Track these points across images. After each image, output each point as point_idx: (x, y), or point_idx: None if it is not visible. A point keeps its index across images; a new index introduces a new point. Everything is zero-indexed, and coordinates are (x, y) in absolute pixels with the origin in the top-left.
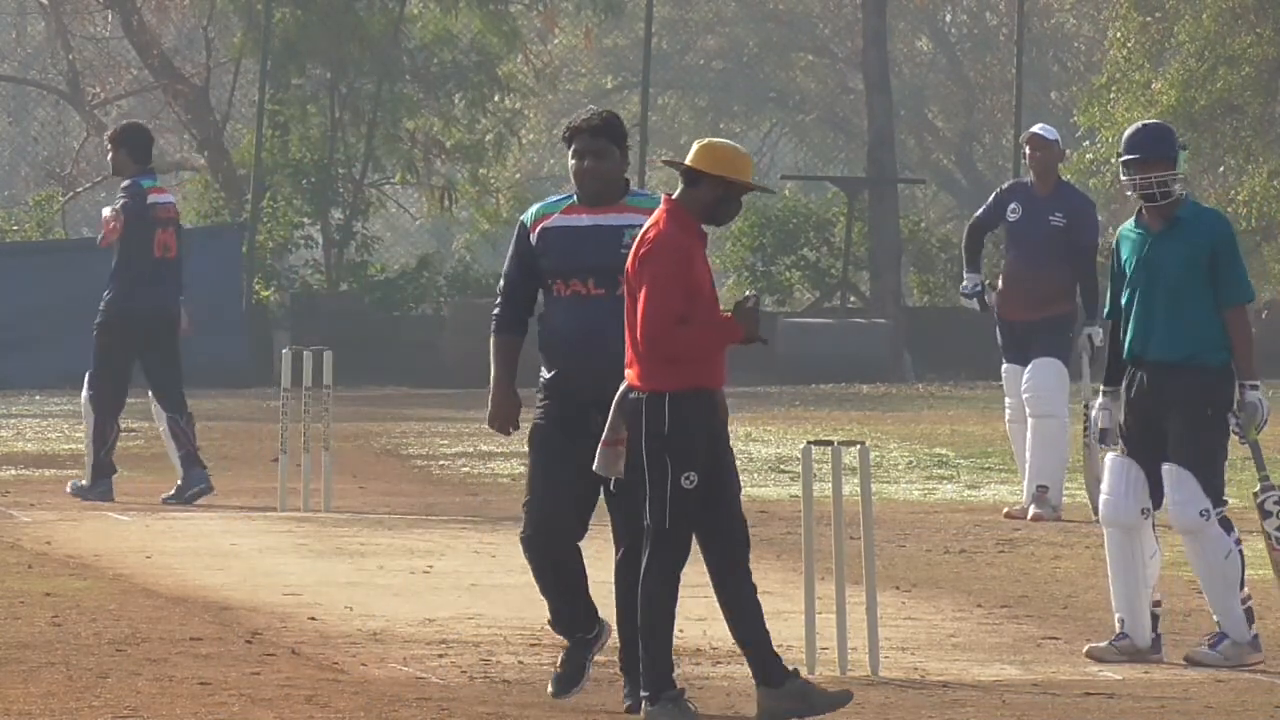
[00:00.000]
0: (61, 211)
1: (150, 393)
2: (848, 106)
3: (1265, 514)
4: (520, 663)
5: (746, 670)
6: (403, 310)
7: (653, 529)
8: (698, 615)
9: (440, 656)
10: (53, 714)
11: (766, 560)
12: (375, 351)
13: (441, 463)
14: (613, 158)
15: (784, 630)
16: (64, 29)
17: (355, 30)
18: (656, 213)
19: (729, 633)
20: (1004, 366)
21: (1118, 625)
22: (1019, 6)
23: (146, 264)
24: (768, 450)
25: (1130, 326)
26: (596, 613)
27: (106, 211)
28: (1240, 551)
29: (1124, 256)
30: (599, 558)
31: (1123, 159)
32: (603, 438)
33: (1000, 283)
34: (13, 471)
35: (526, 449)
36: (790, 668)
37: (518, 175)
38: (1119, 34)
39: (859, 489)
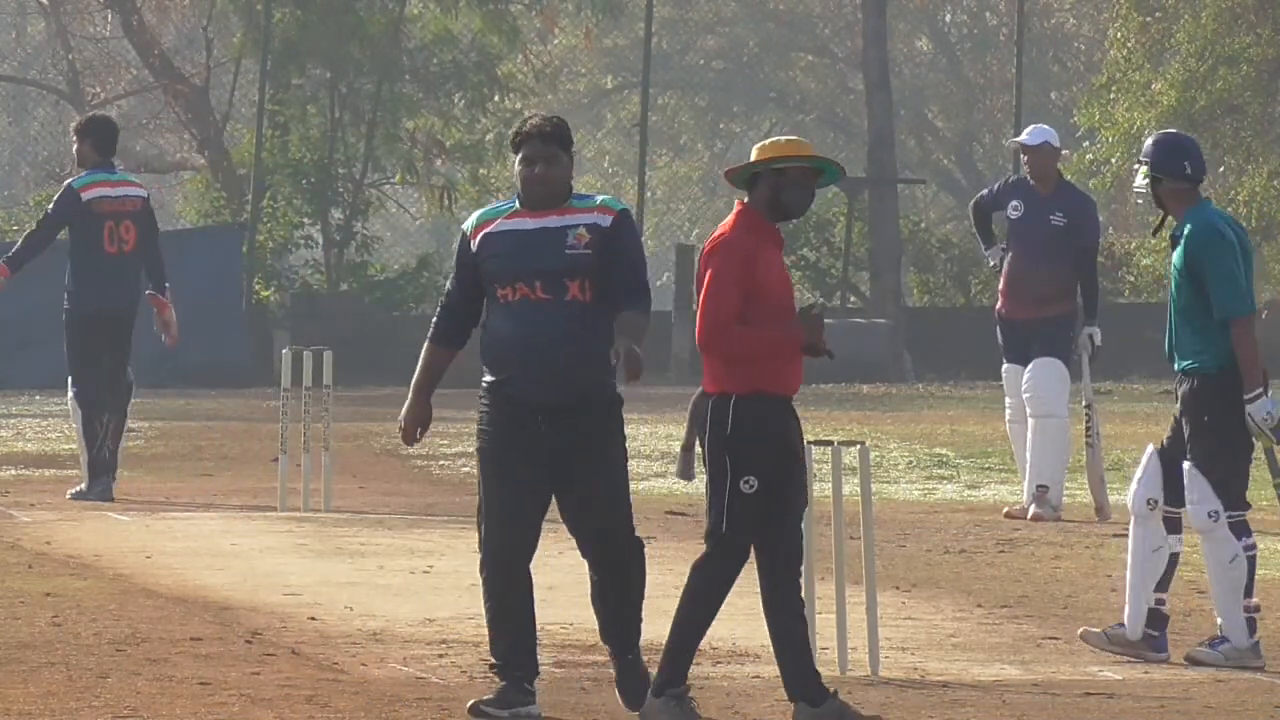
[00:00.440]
0: None
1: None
2: (848, 106)
3: None
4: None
5: (747, 670)
6: (403, 310)
7: (710, 531)
8: None
9: (440, 656)
10: (53, 714)
11: None
12: (375, 351)
13: (441, 463)
14: (562, 164)
15: None
16: (64, 29)
17: (355, 30)
18: (730, 216)
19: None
20: (1004, 366)
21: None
22: (1019, 6)
23: (97, 259)
24: None
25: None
26: (537, 662)
27: None
28: (1250, 558)
29: None
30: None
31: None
32: (682, 443)
33: (1001, 281)
34: (13, 471)
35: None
36: (831, 689)
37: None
38: (1119, 34)
39: (859, 489)
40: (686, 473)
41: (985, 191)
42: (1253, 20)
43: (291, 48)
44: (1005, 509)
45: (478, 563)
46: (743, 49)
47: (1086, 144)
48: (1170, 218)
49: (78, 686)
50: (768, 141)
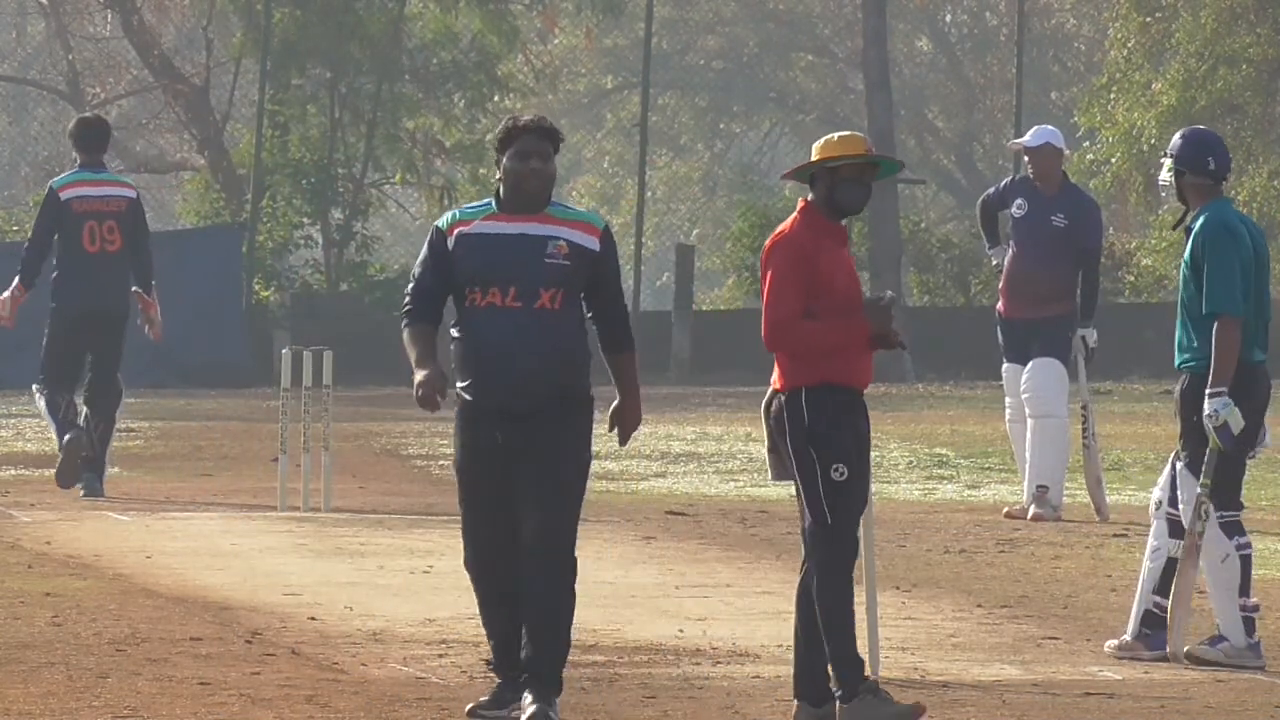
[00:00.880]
0: None
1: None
2: (848, 106)
3: (1197, 517)
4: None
5: (747, 670)
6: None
7: (815, 528)
8: (698, 615)
9: (440, 656)
10: (53, 714)
11: (767, 560)
12: (375, 351)
13: (441, 463)
14: (552, 163)
15: (784, 630)
16: (64, 29)
17: (355, 30)
18: (793, 213)
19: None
20: (1004, 366)
21: None
22: (1019, 6)
23: (77, 259)
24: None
25: None
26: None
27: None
28: (1243, 557)
29: None
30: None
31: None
32: (766, 446)
33: (1002, 281)
34: (13, 471)
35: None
36: (870, 678)
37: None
38: (1119, 34)
39: None
40: (781, 474)
41: (992, 190)
42: (1253, 20)
43: (291, 48)
44: (1005, 509)
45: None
46: (743, 49)
47: (1086, 144)
48: (1191, 213)
49: (78, 686)
50: (829, 136)
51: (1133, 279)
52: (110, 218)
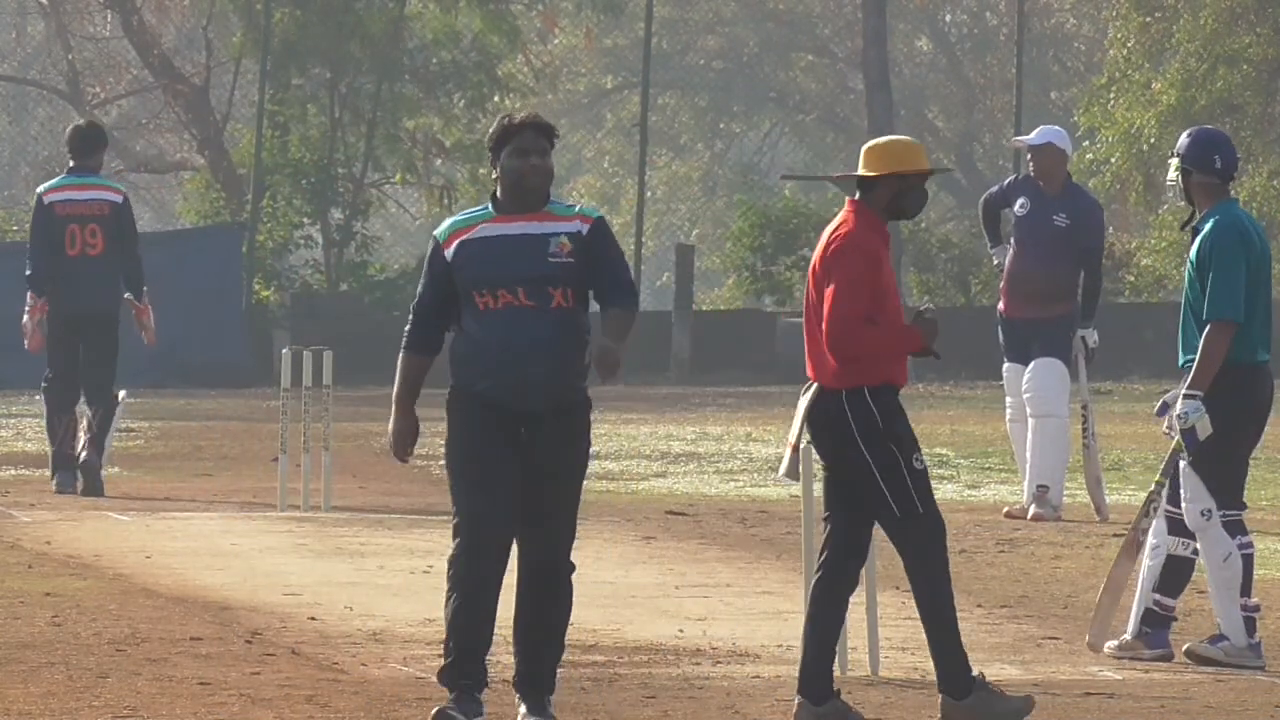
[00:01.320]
0: None
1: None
2: (848, 106)
3: (1144, 514)
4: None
5: (747, 670)
6: (403, 310)
7: (904, 520)
8: (698, 615)
9: (440, 656)
10: (53, 714)
11: (767, 560)
12: (375, 351)
13: (441, 463)
14: (550, 158)
15: (784, 630)
16: (64, 29)
17: (355, 30)
18: (843, 212)
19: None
20: (1005, 366)
21: None
22: (1019, 6)
23: (59, 262)
24: (768, 450)
25: None
26: (486, 672)
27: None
28: (1245, 556)
29: None
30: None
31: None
32: (790, 441)
33: (1003, 280)
34: (13, 471)
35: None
36: (837, 688)
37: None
38: (1119, 34)
39: None
40: (796, 471)
41: (995, 188)
42: (1253, 20)
43: (291, 48)
44: (1005, 509)
45: (446, 573)
46: (743, 49)
47: (1086, 144)
48: (1199, 213)
49: (78, 686)
50: (889, 142)
51: (1133, 279)
52: (93, 221)
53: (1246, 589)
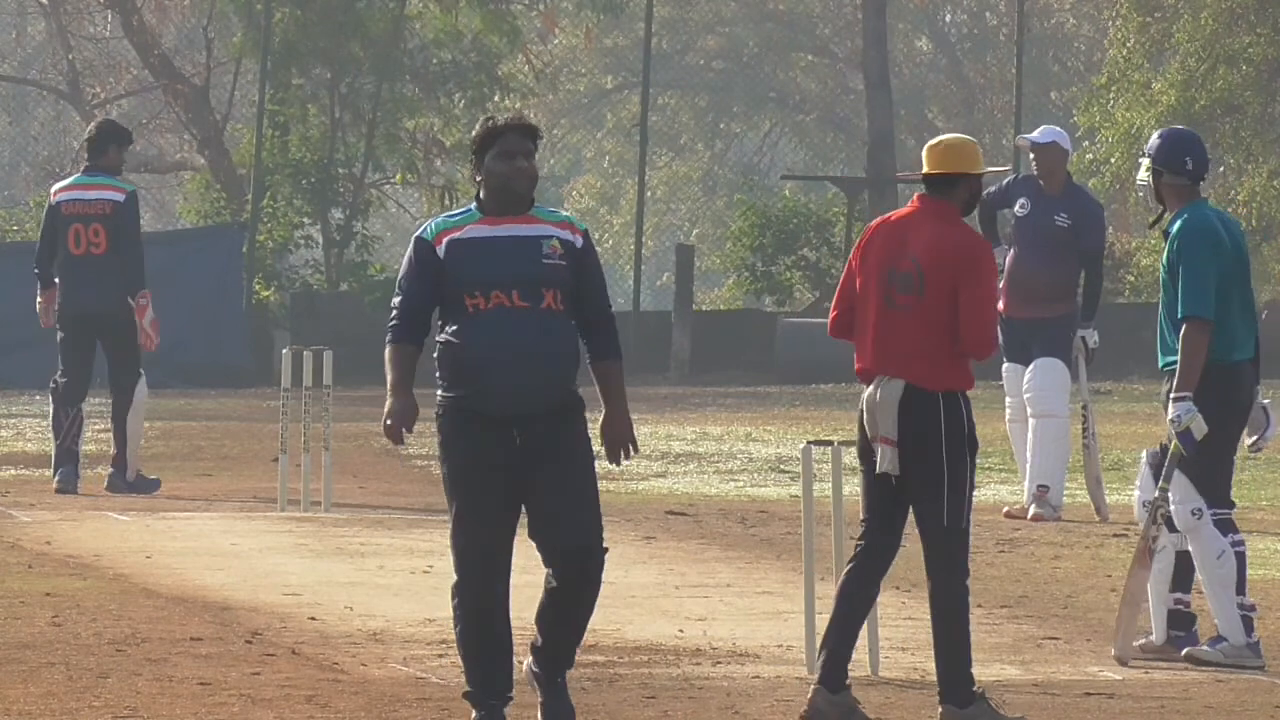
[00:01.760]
0: None
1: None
2: (848, 106)
3: (1151, 520)
4: (519, 663)
5: (747, 670)
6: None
7: (949, 530)
8: (698, 615)
9: (440, 656)
10: (53, 714)
11: (767, 560)
12: (375, 351)
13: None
14: (534, 161)
15: (784, 630)
16: (64, 29)
17: (355, 30)
18: (928, 208)
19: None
20: (1004, 366)
21: None
22: (1019, 6)
23: (64, 260)
24: (768, 450)
25: None
26: (512, 683)
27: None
28: (1238, 554)
29: None
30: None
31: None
32: (882, 436)
33: (1003, 280)
34: (13, 471)
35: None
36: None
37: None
38: (1119, 34)
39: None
40: (899, 464)
41: (995, 188)
42: (1253, 20)
43: (291, 48)
44: (1005, 509)
45: (450, 588)
46: (743, 49)
47: (1086, 144)
48: (1169, 213)
49: (78, 686)
50: (961, 142)
51: (1132, 279)
52: (96, 220)
53: (1241, 587)
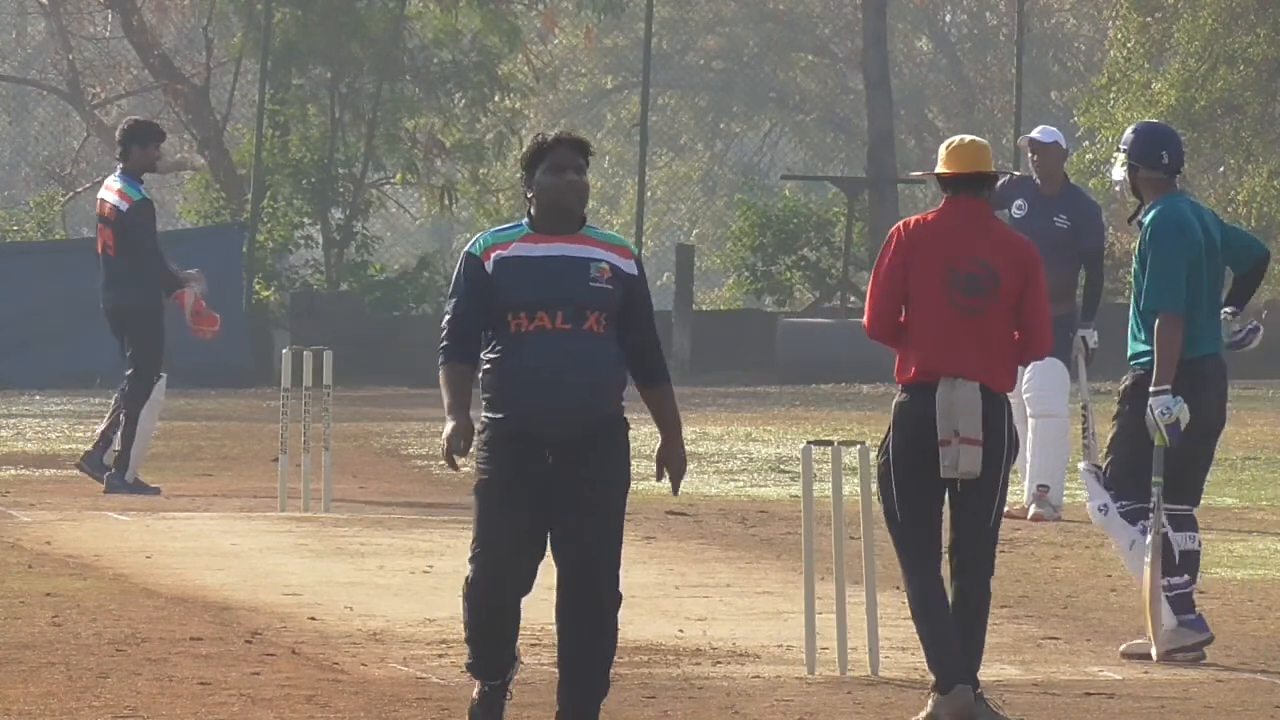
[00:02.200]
0: (62, 212)
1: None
2: (848, 106)
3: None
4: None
5: (746, 670)
6: (403, 310)
7: (991, 531)
8: (698, 615)
9: (440, 656)
10: (53, 714)
11: (767, 560)
12: (375, 351)
13: (441, 463)
14: (586, 175)
15: (784, 630)
16: (64, 29)
17: (355, 30)
18: (989, 216)
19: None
20: None
21: None
22: (1019, 6)
23: (98, 263)
24: (768, 450)
25: None
26: (515, 654)
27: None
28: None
29: None
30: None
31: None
32: (965, 436)
33: None
34: (13, 471)
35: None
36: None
37: (518, 175)
38: (1119, 34)
39: (859, 489)
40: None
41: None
42: (1253, 20)
43: (291, 48)
44: (1005, 509)
45: (462, 591)
46: (743, 49)
47: (1086, 144)
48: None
49: (78, 686)
50: (976, 142)
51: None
52: (108, 223)
53: (1169, 568)
